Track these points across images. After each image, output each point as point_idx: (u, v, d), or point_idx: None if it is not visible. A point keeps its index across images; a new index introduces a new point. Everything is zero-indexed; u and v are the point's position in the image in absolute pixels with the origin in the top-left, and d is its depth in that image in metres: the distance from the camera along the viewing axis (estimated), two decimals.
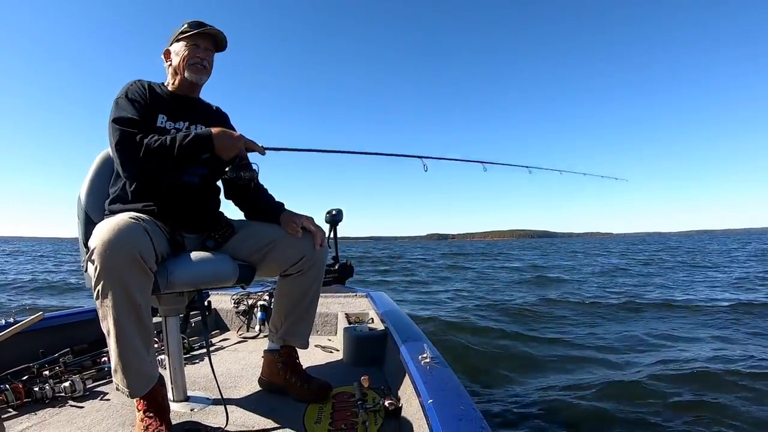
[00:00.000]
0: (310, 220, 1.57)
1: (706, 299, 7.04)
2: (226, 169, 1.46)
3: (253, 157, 1.50)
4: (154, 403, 1.24)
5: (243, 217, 1.66)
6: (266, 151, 1.51)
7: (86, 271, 1.32)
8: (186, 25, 1.53)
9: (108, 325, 1.13)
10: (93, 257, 1.10)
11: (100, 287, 1.11)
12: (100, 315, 1.14)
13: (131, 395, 1.19)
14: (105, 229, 1.12)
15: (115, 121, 1.35)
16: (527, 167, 2.24)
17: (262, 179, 1.65)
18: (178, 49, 1.53)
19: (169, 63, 1.56)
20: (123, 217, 1.18)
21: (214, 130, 1.38)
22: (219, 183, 1.66)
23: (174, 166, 1.38)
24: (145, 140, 1.31)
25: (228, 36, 1.56)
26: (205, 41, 1.54)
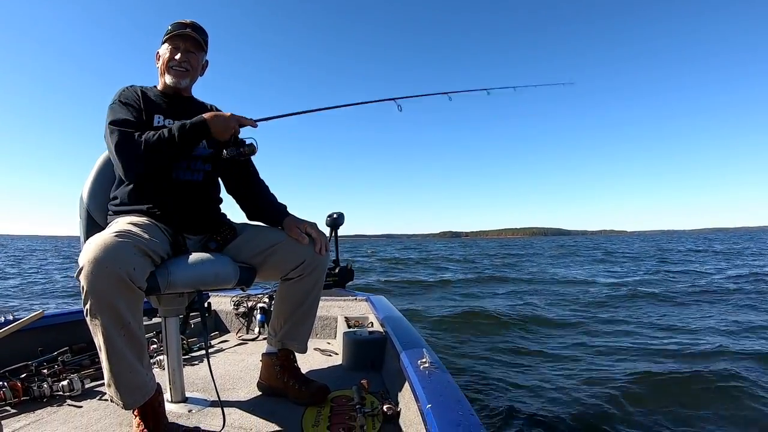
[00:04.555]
0: (314, 226, 1.57)
1: None
2: (225, 150, 1.47)
3: (247, 132, 1.54)
4: (150, 410, 1.24)
5: (245, 219, 1.67)
6: (258, 124, 1.54)
7: None
8: (170, 26, 1.53)
9: (98, 342, 1.12)
10: (80, 277, 1.09)
11: (88, 307, 1.10)
12: (91, 331, 1.13)
13: (125, 407, 1.19)
14: (92, 248, 1.10)
15: (113, 123, 1.36)
16: (485, 89, 2.36)
17: (261, 171, 1.69)
18: (163, 51, 1.54)
19: (158, 65, 1.58)
20: (111, 235, 1.15)
21: (206, 115, 1.40)
22: (220, 181, 1.67)
23: (175, 159, 1.40)
24: (144, 136, 1.33)
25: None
26: (186, 43, 1.53)
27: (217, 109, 1.68)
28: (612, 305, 7.22)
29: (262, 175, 1.71)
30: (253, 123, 1.51)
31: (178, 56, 1.52)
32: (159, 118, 1.48)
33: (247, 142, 1.50)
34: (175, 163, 1.45)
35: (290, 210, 1.66)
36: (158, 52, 1.57)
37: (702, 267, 14.20)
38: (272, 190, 1.71)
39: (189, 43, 1.53)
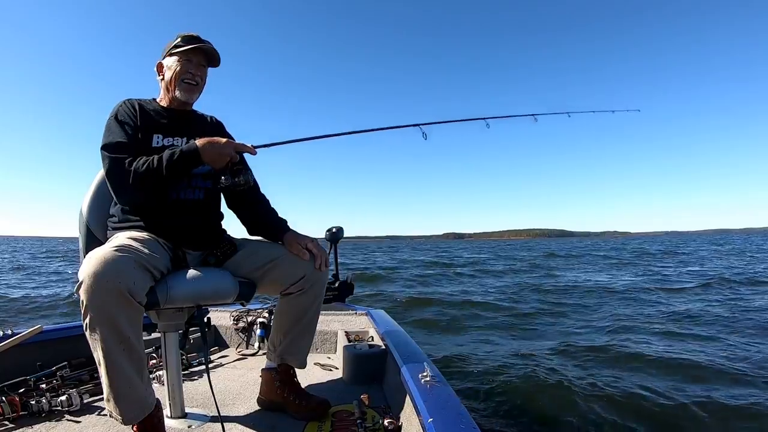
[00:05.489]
0: (314, 241, 1.57)
1: None
2: (222, 178, 1.41)
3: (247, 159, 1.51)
4: (149, 425, 1.23)
5: (245, 233, 1.67)
6: (257, 150, 1.48)
7: None
8: (179, 39, 1.50)
9: (98, 356, 1.12)
10: (80, 291, 1.09)
11: (87, 321, 1.10)
12: (90, 345, 1.13)
13: (124, 423, 1.18)
14: (92, 262, 1.10)
15: (105, 147, 1.35)
16: (533, 115, 2.16)
17: (263, 186, 1.68)
18: (171, 64, 1.50)
19: (161, 77, 1.54)
20: (111, 249, 1.15)
21: (199, 141, 1.35)
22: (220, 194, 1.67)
23: (167, 186, 1.37)
24: (133, 165, 1.31)
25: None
26: (198, 56, 1.51)
27: (218, 121, 1.69)
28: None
29: (262, 189, 1.71)
30: (252, 150, 1.46)
31: (192, 69, 1.49)
32: (158, 137, 1.45)
33: (243, 174, 1.40)
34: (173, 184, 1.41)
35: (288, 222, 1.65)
36: (162, 65, 1.53)
37: None
38: (273, 205, 1.71)
39: (202, 56, 1.51)
